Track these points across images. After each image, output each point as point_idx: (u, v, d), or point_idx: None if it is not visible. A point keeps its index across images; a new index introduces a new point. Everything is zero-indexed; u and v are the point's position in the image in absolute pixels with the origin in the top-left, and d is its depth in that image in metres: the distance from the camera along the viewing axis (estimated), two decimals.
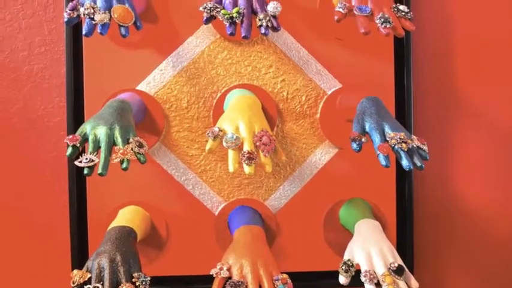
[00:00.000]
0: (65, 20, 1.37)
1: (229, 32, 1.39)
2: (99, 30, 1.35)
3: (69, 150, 1.31)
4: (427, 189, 1.84)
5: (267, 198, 1.72)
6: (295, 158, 1.71)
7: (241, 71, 1.68)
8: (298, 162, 1.71)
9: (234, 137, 1.36)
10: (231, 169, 1.33)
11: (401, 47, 1.72)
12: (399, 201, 1.76)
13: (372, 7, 1.43)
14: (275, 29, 1.41)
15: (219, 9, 1.41)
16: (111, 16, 1.37)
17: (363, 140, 1.38)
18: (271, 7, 1.42)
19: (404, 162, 1.32)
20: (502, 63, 1.82)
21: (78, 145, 1.32)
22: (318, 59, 1.69)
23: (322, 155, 1.70)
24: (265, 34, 1.40)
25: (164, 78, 1.67)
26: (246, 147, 1.35)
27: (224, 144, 1.36)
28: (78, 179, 1.68)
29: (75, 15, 1.37)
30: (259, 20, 1.41)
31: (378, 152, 1.34)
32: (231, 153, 1.35)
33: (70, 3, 1.37)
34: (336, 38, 1.68)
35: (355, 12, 1.42)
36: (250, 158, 1.33)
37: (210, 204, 1.71)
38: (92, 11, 1.35)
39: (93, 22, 1.35)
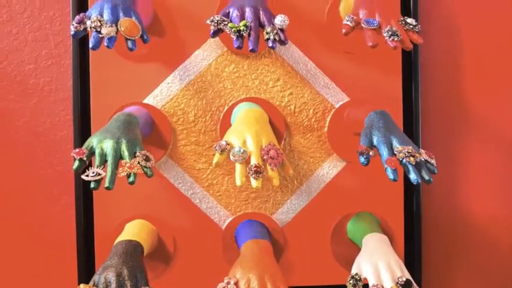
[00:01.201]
0: (72, 33, 1.35)
1: (236, 46, 1.38)
2: (105, 44, 1.33)
3: (76, 164, 1.31)
4: (435, 203, 1.83)
5: (274, 212, 1.71)
6: (303, 172, 1.70)
7: (248, 84, 1.68)
8: (306, 175, 1.70)
9: (242, 150, 1.35)
10: (238, 183, 1.32)
11: (409, 60, 1.71)
12: (407, 215, 1.75)
13: (380, 20, 1.42)
14: (282, 43, 1.41)
15: (226, 23, 1.40)
16: (117, 29, 1.35)
17: (370, 153, 1.37)
18: (278, 20, 1.41)
19: (412, 176, 1.31)
20: (511, 76, 1.81)
21: (84, 159, 1.32)
22: (325, 73, 1.68)
23: (329, 168, 1.69)
24: (272, 47, 1.39)
25: (171, 91, 1.66)
26: (253, 161, 1.34)
27: (231, 158, 1.35)
28: (84, 193, 1.67)
29: (81, 29, 1.35)
30: (267, 33, 1.40)
31: (386, 166, 1.33)
32: (238, 167, 1.34)
33: (77, 17, 1.36)
34: (344, 52, 1.67)
35: (362, 25, 1.42)
36: (258, 171, 1.32)
37: (217, 218, 1.70)
38: (99, 24, 1.34)
39: (100, 35, 1.34)
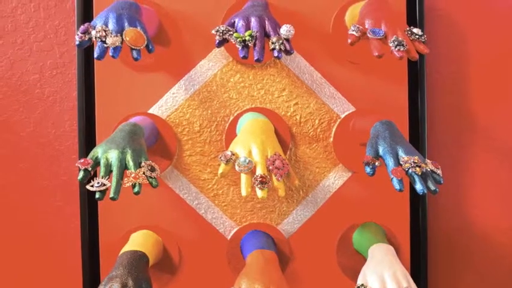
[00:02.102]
0: (77, 43, 1.35)
1: (241, 55, 1.38)
2: (110, 54, 1.33)
3: (81, 174, 1.31)
4: (441, 213, 1.82)
5: (279, 222, 1.70)
6: (309, 182, 1.69)
7: (253, 94, 1.67)
8: (312, 186, 1.69)
9: (247, 160, 1.35)
10: (243, 193, 1.32)
11: (415, 70, 1.71)
12: (413, 226, 1.74)
13: (386, 30, 1.41)
14: (288, 52, 1.40)
15: (231, 33, 1.40)
16: (123, 39, 1.34)
17: (376, 163, 1.37)
18: (284, 30, 1.41)
19: (418, 186, 1.31)
20: None
21: (89, 169, 1.32)
22: (331, 82, 1.68)
23: (335, 179, 1.69)
24: (278, 57, 1.39)
25: (176, 101, 1.66)
26: (259, 171, 1.34)
27: (237, 168, 1.35)
28: (89, 203, 1.67)
29: (86, 39, 1.35)
30: (272, 43, 1.40)
31: (392, 176, 1.32)
32: (243, 177, 1.34)
33: (81, 26, 1.35)
34: (350, 61, 1.67)
35: (368, 35, 1.41)
36: (263, 182, 1.32)
37: (223, 228, 1.69)
38: (104, 34, 1.34)
39: (105, 45, 1.33)
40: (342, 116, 1.69)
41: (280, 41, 1.40)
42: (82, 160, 1.32)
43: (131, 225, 1.67)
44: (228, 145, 1.66)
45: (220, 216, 1.69)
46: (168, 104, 1.66)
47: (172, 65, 1.66)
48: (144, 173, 1.32)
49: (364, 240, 1.64)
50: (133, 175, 1.31)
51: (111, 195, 1.26)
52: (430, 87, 1.79)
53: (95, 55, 1.32)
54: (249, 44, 1.38)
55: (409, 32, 1.43)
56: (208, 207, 1.69)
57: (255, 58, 1.37)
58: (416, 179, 1.32)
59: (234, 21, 1.44)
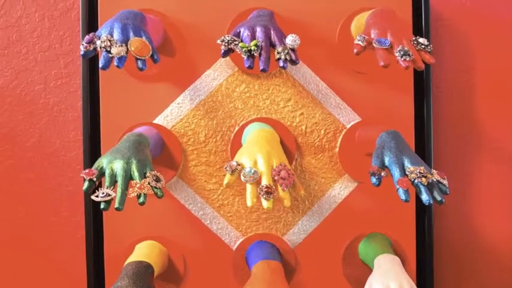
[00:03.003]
0: (82, 53, 1.34)
1: (247, 65, 1.37)
2: (115, 64, 1.32)
3: (86, 184, 1.30)
4: (447, 224, 1.82)
5: (285, 233, 1.69)
6: (314, 192, 1.68)
7: (259, 104, 1.67)
8: (317, 196, 1.68)
9: (252, 171, 1.34)
10: (249, 203, 1.31)
11: (421, 80, 1.71)
12: (419, 236, 1.73)
13: (392, 40, 1.40)
14: (293, 62, 1.40)
15: (236, 42, 1.40)
16: (128, 49, 1.34)
17: (382, 174, 1.37)
18: (289, 40, 1.41)
19: (424, 197, 1.30)
20: None
21: (94, 179, 1.31)
22: (337, 92, 1.67)
23: (341, 189, 1.68)
24: (283, 67, 1.38)
25: (181, 111, 1.65)
26: (264, 182, 1.33)
27: (242, 178, 1.34)
28: (94, 214, 1.66)
29: (91, 48, 1.34)
30: (278, 53, 1.39)
31: (398, 187, 1.32)
32: (249, 188, 1.33)
33: (86, 36, 1.35)
34: (355, 71, 1.66)
35: (374, 45, 1.40)
36: (269, 192, 1.31)
37: (228, 239, 1.68)
38: (109, 43, 1.33)
39: (110, 55, 1.32)
40: (348, 126, 1.69)
41: (286, 51, 1.39)
42: (87, 170, 1.32)
43: (136, 236, 1.66)
44: (234, 155, 1.65)
45: (225, 227, 1.68)
46: (174, 114, 1.65)
47: (177, 75, 1.66)
48: (149, 183, 1.31)
49: (370, 250, 1.63)
50: (138, 185, 1.30)
51: (116, 205, 1.26)
52: (436, 97, 1.78)
53: (100, 65, 1.31)
54: (255, 54, 1.38)
55: (415, 42, 1.42)
56: (214, 217, 1.68)
57: (260, 68, 1.36)
58: (422, 189, 1.31)
59: (240, 31, 1.44)
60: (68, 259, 1.76)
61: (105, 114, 1.64)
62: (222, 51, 1.40)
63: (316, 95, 1.68)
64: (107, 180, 1.31)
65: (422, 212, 1.74)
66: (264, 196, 1.31)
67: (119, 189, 1.29)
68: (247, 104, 1.67)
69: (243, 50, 1.38)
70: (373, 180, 1.36)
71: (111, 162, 1.34)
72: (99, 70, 1.63)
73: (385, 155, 1.40)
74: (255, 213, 1.69)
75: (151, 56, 1.38)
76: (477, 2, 1.81)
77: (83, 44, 1.34)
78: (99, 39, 1.35)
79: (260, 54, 1.38)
